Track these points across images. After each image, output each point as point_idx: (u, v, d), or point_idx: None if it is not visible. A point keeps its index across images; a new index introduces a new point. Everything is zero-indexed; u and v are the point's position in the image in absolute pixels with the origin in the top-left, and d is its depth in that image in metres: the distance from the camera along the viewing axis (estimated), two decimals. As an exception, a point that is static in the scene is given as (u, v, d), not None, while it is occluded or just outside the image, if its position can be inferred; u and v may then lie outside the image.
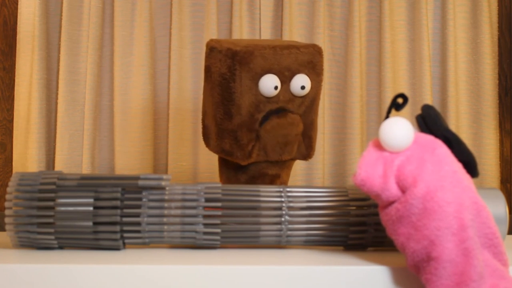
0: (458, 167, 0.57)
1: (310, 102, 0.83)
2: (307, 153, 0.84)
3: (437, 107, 1.40)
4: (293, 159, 0.85)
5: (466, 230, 0.53)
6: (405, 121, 0.56)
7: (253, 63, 0.78)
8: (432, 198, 0.54)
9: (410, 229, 0.55)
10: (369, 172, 0.56)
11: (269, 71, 0.79)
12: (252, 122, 0.79)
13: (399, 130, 0.56)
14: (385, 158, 0.57)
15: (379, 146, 0.58)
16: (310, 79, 0.82)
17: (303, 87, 0.80)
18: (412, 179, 0.55)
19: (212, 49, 0.82)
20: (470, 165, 0.58)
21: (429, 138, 0.58)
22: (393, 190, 0.56)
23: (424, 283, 0.55)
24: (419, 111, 0.61)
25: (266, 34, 1.38)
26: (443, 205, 0.53)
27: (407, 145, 0.56)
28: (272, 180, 0.83)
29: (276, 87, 0.79)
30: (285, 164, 0.85)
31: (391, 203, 0.57)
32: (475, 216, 0.55)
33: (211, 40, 0.84)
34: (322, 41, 1.36)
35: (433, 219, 0.53)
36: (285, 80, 0.80)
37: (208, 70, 0.83)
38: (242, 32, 1.37)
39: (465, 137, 1.39)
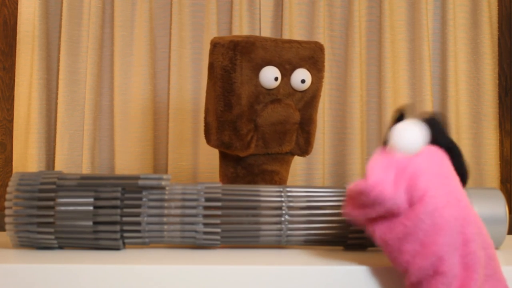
0: (458, 181, 0.57)
1: (310, 97, 0.84)
2: (305, 148, 0.85)
3: (437, 107, 1.40)
4: (292, 154, 0.85)
5: (469, 245, 0.53)
6: (417, 124, 0.56)
7: (254, 53, 0.79)
8: (441, 214, 0.53)
9: (416, 246, 0.54)
10: (381, 176, 0.55)
11: (269, 63, 0.80)
12: (252, 113, 0.80)
13: (412, 133, 0.56)
14: (397, 165, 0.56)
15: (388, 153, 0.57)
16: (311, 75, 0.82)
17: (303, 81, 0.81)
18: (422, 192, 0.54)
19: (216, 45, 0.83)
20: (463, 178, 0.59)
21: (438, 152, 0.58)
22: (401, 199, 0.55)
23: None
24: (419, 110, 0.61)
25: (266, 34, 1.38)
26: (450, 220, 0.53)
27: (419, 148, 0.56)
28: (272, 176, 0.84)
29: (276, 78, 0.79)
30: (284, 159, 0.85)
31: (390, 215, 0.56)
32: (479, 230, 0.55)
33: (215, 37, 0.85)
34: (322, 41, 1.36)
35: (441, 235, 0.53)
36: (286, 73, 0.81)
37: (211, 66, 0.84)
38: (242, 32, 1.37)
39: (465, 137, 1.39)
